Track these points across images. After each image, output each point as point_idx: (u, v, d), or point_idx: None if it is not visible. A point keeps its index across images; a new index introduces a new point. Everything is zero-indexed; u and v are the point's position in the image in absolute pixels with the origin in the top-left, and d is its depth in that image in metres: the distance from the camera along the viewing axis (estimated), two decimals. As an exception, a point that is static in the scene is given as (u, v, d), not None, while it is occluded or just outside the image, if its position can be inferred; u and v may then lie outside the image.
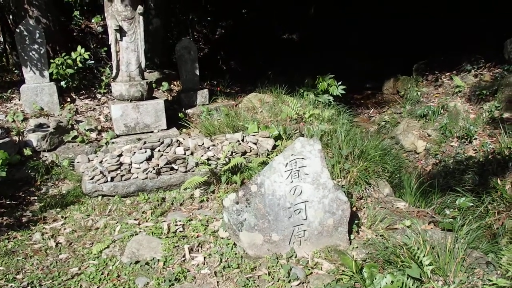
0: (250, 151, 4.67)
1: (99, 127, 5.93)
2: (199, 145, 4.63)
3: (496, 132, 5.99)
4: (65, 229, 3.78)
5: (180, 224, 3.65)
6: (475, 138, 6.11)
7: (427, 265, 2.65)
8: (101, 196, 4.26)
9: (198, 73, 7.46)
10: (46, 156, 5.16)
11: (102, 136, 5.80)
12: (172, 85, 8.21)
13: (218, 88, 8.50)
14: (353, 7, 13.50)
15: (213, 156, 4.46)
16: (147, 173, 4.28)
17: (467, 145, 6.09)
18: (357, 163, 4.48)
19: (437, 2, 11.40)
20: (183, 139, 4.84)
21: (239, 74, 10.88)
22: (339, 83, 7.24)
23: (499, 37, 7.89)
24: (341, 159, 4.51)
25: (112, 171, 4.25)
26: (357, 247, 3.21)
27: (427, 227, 3.43)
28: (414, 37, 11.62)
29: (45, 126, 5.45)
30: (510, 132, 5.70)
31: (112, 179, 4.23)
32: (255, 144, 4.79)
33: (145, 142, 4.63)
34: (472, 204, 4.20)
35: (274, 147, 4.87)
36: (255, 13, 13.76)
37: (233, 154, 4.54)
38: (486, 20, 9.27)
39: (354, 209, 3.70)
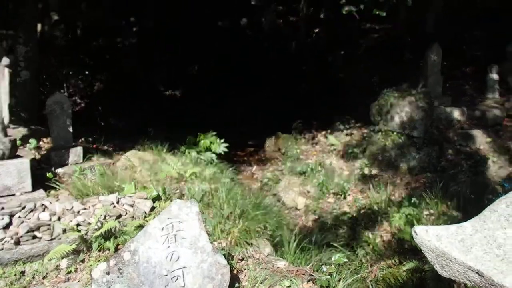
0: (126, 214, 4.47)
1: None
2: (68, 209, 4.30)
3: (366, 188, 6.57)
4: None
5: (41, 302, 3.28)
6: (349, 194, 6.63)
7: (304, 326, 2.70)
8: None
9: (71, 130, 7.06)
10: None
11: (-51, 202, 5.10)
12: (41, 142, 7.63)
13: (94, 146, 8.12)
14: (235, 68, 14.23)
15: (83, 221, 4.17)
16: (3, 244, 3.82)
17: (342, 201, 6.56)
18: (238, 223, 4.52)
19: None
20: (50, 202, 4.47)
21: (118, 130, 10.57)
22: (222, 140, 7.40)
23: (367, 100, 8.88)
24: (222, 219, 4.52)
25: (-42, 243, 3.73)
26: (237, 313, 3.17)
27: (305, 286, 3.53)
28: (293, 96, 12.56)
29: None
30: (378, 188, 6.29)
31: (-42, 253, 3.69)
32: (132, 206, 4.61)
33: (2, 208, 4.18)
34: (347, 260, 4.46)
35: (152, 208, 4.72)
36: (135, 67, 13.69)
37: (107, 218, 4.30)
38: (352, 85, 10.41)
39: (235, 271, 3.69)
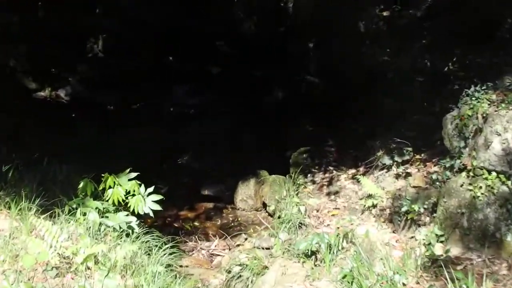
0: None
1: None
2: None
3: (439, 285, 6.40)
4: None
5: None
6: (406, 300, 6.45)
7: None
8: None
9: None
10: None
11: None
12: None
13: None
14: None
15: None
16: None
17: (392, 314, 6.38)
18: None
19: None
20: None
21: None
22: (149, 189, 7.28)
23: (435, 107, 8.81)
24: None
25: None
26: None
27: None
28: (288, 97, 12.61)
29: None
30: (464, 285, 6.12)
31: None
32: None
33: None
34: None
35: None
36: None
37: None
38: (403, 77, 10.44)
39: None
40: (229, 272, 8.18)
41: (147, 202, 7.18)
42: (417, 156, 8.99)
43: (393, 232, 7.80)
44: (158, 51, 15.49)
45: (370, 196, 8.50)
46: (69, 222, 6.67)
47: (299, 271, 7.53)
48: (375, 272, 6.96)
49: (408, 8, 12.68)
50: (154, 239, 6.87)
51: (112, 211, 7.10)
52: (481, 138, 7.43)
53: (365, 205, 8.49)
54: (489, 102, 7.57)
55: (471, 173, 7.41)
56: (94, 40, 15.47)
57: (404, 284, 6.58)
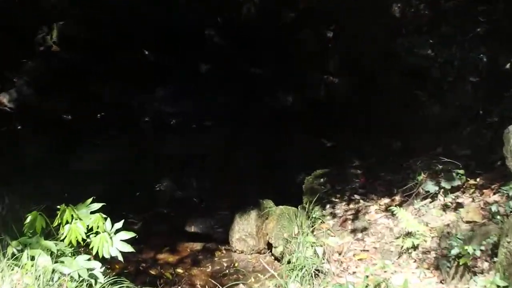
0: None
1: None
2: None
3: None
4: None
5: None
6: None
7: None
8: None
9: None
10: None
11: None
12: None
13: None
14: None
15: None
16: None
17: None
18: None
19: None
20: None
21: None
22: (118, 224, 7.25)
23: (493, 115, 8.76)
24: None
25: None
26: None
27: None
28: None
29: None
30: None
31: None
32: None
33: None
34: None
35: None
36: None
37: None
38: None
39: None
40: (223, 336, 8.13)
41: (114, 242, 7.10)
42: (471, 181, 8.91)
43: (441, 282, 7.69)
44: (131, 43, 15.47)
45: (409, 234, 8.42)
46: (12, 269, 6.61)
47: (316, 335, 7.47)
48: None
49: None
50: (124, 289, 6.77)
51: (69, 254, 7.04)
52: (554, 157, 7.37)
53: (402, 246, 8.39)
54: None
55: (541, 203, 7.35)
56: (46, 29, 15.45)
57: None
